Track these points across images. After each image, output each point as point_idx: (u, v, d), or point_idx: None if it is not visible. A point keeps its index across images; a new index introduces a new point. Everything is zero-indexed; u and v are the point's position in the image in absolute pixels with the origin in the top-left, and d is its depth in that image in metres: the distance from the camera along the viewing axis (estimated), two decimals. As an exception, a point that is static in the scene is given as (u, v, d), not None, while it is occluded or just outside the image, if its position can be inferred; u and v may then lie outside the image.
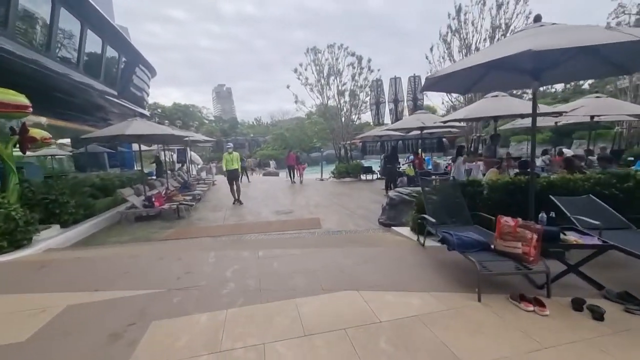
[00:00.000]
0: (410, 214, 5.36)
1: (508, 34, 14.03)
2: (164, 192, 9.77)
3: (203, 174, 23.07)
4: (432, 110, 58.48)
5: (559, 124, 14.50)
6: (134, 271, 4.13)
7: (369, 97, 19.44)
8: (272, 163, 36.98)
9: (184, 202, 8.85)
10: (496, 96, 7.33)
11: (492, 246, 3.22)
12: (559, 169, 6.65)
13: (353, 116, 17.25)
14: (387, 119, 51.36)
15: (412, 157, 11.19)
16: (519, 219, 2.99)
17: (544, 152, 11.73)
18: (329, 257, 4.26)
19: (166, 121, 50.80)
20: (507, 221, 3.06)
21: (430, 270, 3.64)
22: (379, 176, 16.36)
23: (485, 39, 14.34)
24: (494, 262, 3.03)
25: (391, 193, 6.56)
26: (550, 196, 4.27)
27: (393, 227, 5.84)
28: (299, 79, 16.81)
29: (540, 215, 3.52)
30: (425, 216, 4.23)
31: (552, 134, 31.80)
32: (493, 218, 3.93)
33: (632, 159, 11.09)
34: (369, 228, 6.38)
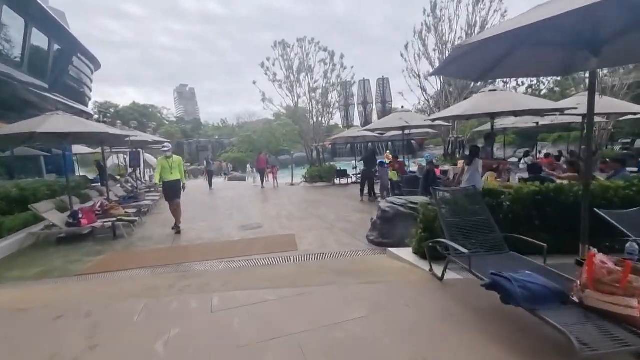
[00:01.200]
0: (415, 233, 4.21)
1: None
2: (98, 204, 7.90)
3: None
4: (400, 113, 59.40)
5: (527, 125, 14.42)
6: None
7: (340, 98, 18.39)
8: (248, 167, 35.06)
9: (123, 218, 7.10)
10: (494, 90, 6.47)
11: (573, 296, 2.11)
12: (563, 173, 5.90)
13: (325, 115, 16.10)
14: (357, 121, 51.32)
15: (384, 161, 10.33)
16: (629, 261, 1.89)
17: (526, 154, 11.35)
18: (316, 307, 2.96)
19: (119, 122, 46.65)
20: (603, 262, 1.95)
21: (472, 331, 2.44)
22: (354, 180, 15.32)
23: (461, 37, 13.88)
24: (586, 328, 1.90)
25: (383, 204, 5.40)
26: (596, 210, 3.30)
27: (389, 249, 4.67)
28: (266, 74, 15.39)
29: (628, 245, 2.47)
30: (448, 243, 3.07)
31: (516, 136, 33.12)
32: (544, 245, 2.87)
33: None
34: (357, 248, 5.16)
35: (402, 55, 15.71)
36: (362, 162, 10.43)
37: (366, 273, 3.93)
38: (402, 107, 10.25)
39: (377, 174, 10.49)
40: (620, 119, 12.65)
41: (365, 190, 10.13)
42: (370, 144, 17.93)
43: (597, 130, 14.37)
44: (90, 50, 16.93)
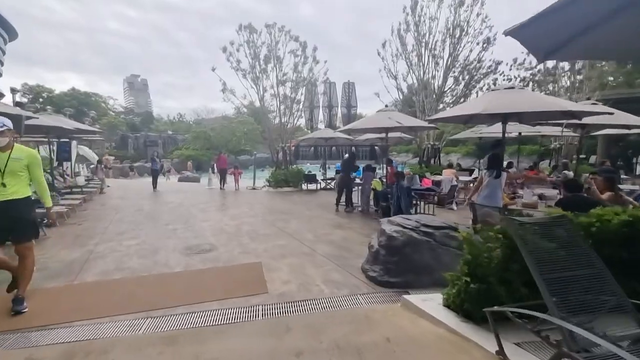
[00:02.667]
0: (453, 279, 2.79)
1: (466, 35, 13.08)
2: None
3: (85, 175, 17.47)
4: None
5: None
6: None
7: (304, 99, 16.67)
8: (210, 170, 31.78)
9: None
10: (512, 88, 5.37)
11: None
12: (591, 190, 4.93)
13: (294, 113, 14.46)
14: (321, 124, 50.22)
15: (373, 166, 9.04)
16: None
17: (509, 165, 10.73)
18: None
19: (48, 107, 40.75)
20: None
21: None
22: (323, 186, 13.88)
23: (444, 39, 13.17)
24: None
25: (387, 227, 3.95)
26: None
27: (406, 296, 3.21)
28: (228, 60, 13.36)
29: None
30: (565, 326, 1.65)
31: (475, 147, 34.16)
32: None
33: None
34: (355, 291, 3.64)
35: (378, 53, 14.69)
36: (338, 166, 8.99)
37: (384, 352, 2.40)
38: (387, 106, 9.04)
39: (357, 182, 9.13)
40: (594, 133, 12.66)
41: (342, 200, 8.71)
42: (354, 148, 16.63)
43: (565, 145, 14.48)
44: (10, 20, 13.66)
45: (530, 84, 15.58)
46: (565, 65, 14.02)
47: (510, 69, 14.77)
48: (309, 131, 36.66)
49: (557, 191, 5.25)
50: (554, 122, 7.07)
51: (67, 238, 6.01)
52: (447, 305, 2.89)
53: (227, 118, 49.44)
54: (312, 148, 42.59)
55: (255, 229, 6.55)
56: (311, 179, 13.88)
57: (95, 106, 58.78)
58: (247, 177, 16.70)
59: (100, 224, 7.21)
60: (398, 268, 3.71)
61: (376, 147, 47.11)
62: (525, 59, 14.14)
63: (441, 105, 14.20)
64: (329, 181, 14.39)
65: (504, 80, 14.38)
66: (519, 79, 16.44)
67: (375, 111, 8.97)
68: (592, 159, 19.15)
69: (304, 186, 14.15)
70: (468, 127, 13.88)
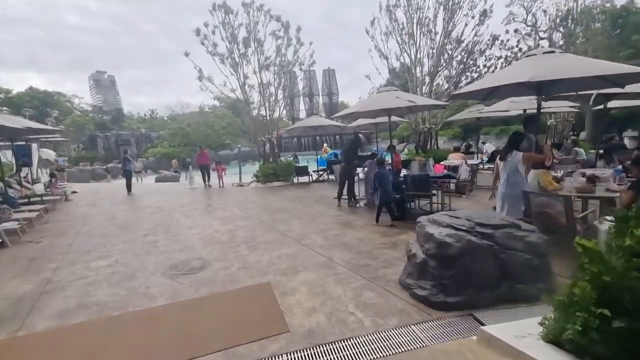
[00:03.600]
0: (580, 317, 1.94)
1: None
2: None
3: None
4: (346, 107, 58.49)
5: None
6: None
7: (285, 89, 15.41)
8: (191, 167, 29.81)
9: None
10: (552, 52, 4.57)
11: None
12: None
13: (279, 101, 13.31)
14: (302, 114, 48.86)
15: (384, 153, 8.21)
16: None
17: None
18: None
19: (4, 108, 37.42)
20: None
21: None
22: (314, 179, 12.94)
23: (436, 15, 12.32)
24: None
25: (435, 230, 3.07)
26: None
27: (484, 328, 2.36)
28: (203, 44, 11.98)
29: None
30: None
31: (460, 129, 34.03)
32: None
33: None
34: (405, 321, 2.76)
35: (367, 32, 13.70)
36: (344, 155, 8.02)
37: None
38: (381, 85, 8.17)
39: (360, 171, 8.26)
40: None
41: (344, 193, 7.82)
42: (361, 134, 15.69)
43: (561, 121, 14.13)
44: None
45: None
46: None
47: (491, 48, 14.25)
48: (290, 122, 35.36)
49: (611, 171, 4.55)
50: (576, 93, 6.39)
51: (18, 263, 4.82)
52: (554, 341, 2.06)
53: (204, 113, 47.24)
54: (295, 139, 41.48)
55: (253, 235, 5.56)
56: (303, 171, 12.90)
57: (58, 106, 54.88)
58: (231, 173, 15.50)
59: (63, 240, 5.99)
60: (456, 283, 2.86)
61: (360, 135, 46.63)
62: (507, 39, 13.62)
63: (434, 85, 13.47)
64: (320, 173, 13.49)
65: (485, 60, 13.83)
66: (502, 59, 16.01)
67: (375, 92, 8.05)
68: (582, 135, 19.10)
69: (294, 180, 13.20)
70: (465, 107, 13.25)
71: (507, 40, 17.12)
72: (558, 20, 16.77)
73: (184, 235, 5.83)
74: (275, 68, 12.65)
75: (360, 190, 8.44)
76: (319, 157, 14.34)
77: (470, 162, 8.74)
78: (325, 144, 15.57)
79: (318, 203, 8.28)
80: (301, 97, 48.42)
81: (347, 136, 49.20)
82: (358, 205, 7.76)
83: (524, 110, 10.44)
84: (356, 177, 8.21)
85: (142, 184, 17.34)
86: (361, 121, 13.36)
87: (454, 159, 8.73)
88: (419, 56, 13.09)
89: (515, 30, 16.73)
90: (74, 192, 13.72)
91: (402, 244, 4.58)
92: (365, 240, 4.96)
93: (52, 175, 11.80)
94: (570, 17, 16.75)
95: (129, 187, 12.52)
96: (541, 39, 19.39)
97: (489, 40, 13.03)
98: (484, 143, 19.54)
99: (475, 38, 12.79)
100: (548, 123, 15.22)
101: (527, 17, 18.87)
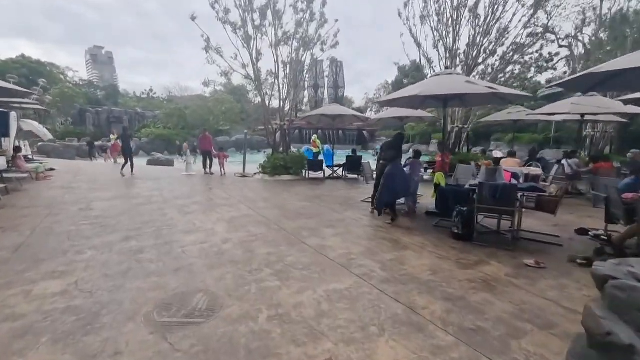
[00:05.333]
0: None
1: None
2: None
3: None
4: (350, 102, 56.70)
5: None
6: None
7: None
8: (188, 151, 27.76)
9: None
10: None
11: None
12: None
13: (300, 83, 11.68)
14: (306, 107, 47.03)
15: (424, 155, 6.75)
16: None
17: (572, 154, 8.66)
18: None
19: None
20: None
21: None
22: (329, 174, 11.41)
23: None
24: None
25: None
26: None
27: None
28: (214, 8, 10.21)
29: None
30: None
31: (471, 133, 32.72)
32: None
33: None
34: None
35: (400, 15, 12.08)
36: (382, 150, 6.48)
37: None
38: (435, 68, 6.64)
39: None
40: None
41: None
42: (364, 130, 14.14)
43: (601, 132, 12.76)
44: None
45: None
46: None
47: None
48: (293, 113, 33.61)
49: None
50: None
51: None
52: None
53: (203, 98, 45.19)
54: (297, 130, 39.70)
55: (278, 252, 4.00)
56: (317, 165, 11.33)
57: (50, 76, 52.15)
58: (230, 162, 13.88)
59: (10, 238, 4.35)
60: None
61: (364, 132, 45.04)
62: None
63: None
64: (336, 168, 11.95)
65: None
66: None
67: (430, 76, 6.50)
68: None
69: (306, 174, 11.66)
70: (503, 108, 11.80)
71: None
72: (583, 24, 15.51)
73: (180, 244, 4.23)
74: (296, 44, 10.96)
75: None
76: (305, 149, 12.68)
77: (533, 171, 7.25)
78: (314, 136, 13.80)
79: (345, 206, 6.74)
80: (306, 89, 46.58)
81: (349, 132, 47.67)
82: (395, 218, 6.25)
83: (582, 116, 8.99)
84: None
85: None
86: (387, 113, 11.84)
87: (509, 166, 7.26)
88: (456, 46, 11.55)
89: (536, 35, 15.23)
90: (50, 169, 11.95)
91: (495, 281, 3.27)
92: (440, 273, 3.45)
93: (16, 149, 10.02)
94: (598, 21, 15.44)
95: (131, 167, 11.14)
96: (560, 46, 18.07)
97: (537, 33, 11.54)
98: (491, 151, 18.18)
99: (523, 30, 11.30)
100: (584, 133, 13.86)
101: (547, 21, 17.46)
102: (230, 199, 7.26)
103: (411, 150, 7.86)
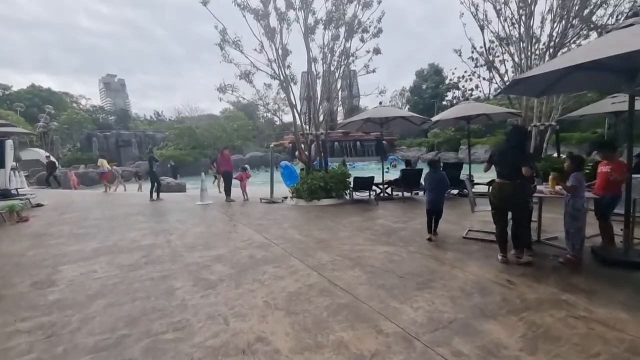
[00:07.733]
0: None
1: None
2: None
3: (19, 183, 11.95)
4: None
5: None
6: None
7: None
8: (203, 174, 25.85)
9: None
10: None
11: None
12: None
13: (338, 80, 9.44)
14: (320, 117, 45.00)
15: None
16: None
17: None
18: None
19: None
20: None
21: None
22: (377, 193, 8.97)
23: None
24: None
25: None
26: None
27: None
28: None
29: None
30: None
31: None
32: None
33: None
34: None
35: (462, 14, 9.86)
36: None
37: None
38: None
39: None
40: None
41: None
42: (384, 140, 11.69)
43: None
44: None
45: None
46: None
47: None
48: (306, 126, 31.49)
49: None
50: None
51: None
52: None
53: (213, 116, 43.93)
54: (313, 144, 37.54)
55: None
56: (365, 184, 8.88)
57: (59, 104, 51.98)
58: (256, 183, 11.59)
59: None
60: None
61: (383, 142, 42.39)
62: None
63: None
64: (386, 186, 9.54)
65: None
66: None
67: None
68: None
69: (349, 196, 9.23)
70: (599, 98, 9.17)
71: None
72: None
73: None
74: (332, 32, 8.69)
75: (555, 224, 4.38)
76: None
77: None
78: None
79: (452, 251, 4.23)
80: (343, 89, 44.50)
81: (367, 143, 45.05)
82: (550, 260, 3.73)
83: None
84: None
85: (138, 195, 13.40)
86: (447, 114, 9.41)
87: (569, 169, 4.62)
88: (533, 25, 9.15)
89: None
90: (37, 205, 9.85)
91: None
92: None
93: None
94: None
95: (157, 193, 10.18)
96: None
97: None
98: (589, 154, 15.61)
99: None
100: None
101: None
102: (270, 247, 4.82)
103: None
